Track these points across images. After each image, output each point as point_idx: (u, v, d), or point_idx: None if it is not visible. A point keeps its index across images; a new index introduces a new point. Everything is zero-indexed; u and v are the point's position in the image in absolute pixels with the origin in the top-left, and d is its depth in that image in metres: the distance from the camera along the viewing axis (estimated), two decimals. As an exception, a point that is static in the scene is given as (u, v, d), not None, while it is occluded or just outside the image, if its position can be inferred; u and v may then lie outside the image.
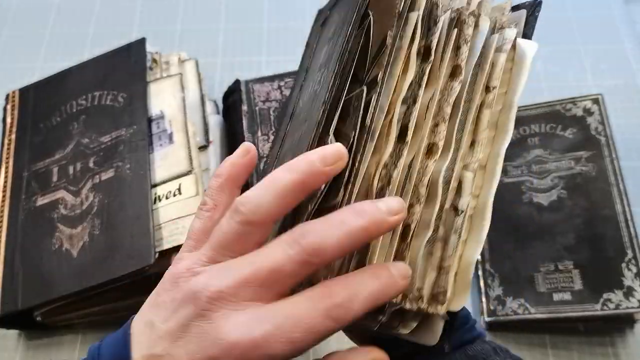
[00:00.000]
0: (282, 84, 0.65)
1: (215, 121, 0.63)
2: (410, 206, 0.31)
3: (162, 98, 0.61)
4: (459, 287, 0.31)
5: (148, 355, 0.27)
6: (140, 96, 0.61)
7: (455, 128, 0.31)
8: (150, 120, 0.59)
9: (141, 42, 0.65)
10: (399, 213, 0.28)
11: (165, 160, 0.57)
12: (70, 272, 0.53)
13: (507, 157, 0.60)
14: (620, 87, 0.71)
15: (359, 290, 0.27)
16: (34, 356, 0.58)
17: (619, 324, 0.56)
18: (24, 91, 0.67)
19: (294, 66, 0.67)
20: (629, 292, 0.52)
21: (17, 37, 0.81)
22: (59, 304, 0.53)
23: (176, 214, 0.54)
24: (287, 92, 0.64)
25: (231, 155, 0.33)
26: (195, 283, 0.27)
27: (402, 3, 0.30)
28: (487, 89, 0.32)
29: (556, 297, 0.53)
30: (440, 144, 0.31)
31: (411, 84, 0.30)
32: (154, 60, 0.65)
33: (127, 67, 0.63)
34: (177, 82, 0.62)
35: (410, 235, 0.30)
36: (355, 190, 0.29)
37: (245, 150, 0.32)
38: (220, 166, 0.32)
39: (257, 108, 0.63)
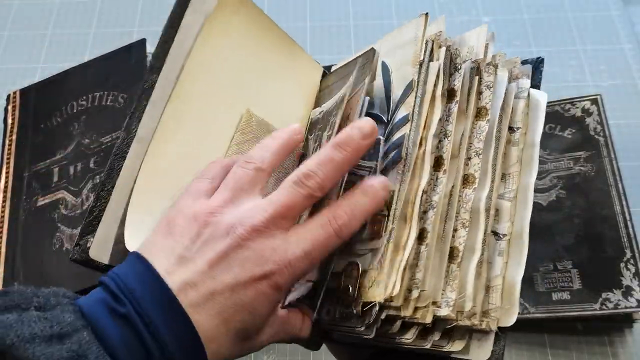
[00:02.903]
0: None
1: (215, 121, 0.64)
2: (455, 230, 0.35)
3: (163, 98, 0.61)
4: (507, 305, 0.35)
5: (186, 283, 0.30)
6: (141, 97, 0.61)
7: (490, 161, 0.36)
8: (150, 121, 0.60)
9: (142, 43, 0.65)
10: (371, 134, 0.34)
11: (166, 161, 0.57)
12: (70, 272, 0.53)
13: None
14: (619, 87, 0.71)
15: (355, 209, 0.33)
16: (35, 356, 0.58)
17: (618, 323, 0.56)
18: (25, 92, 0.67)
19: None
20: (627, 292, 0.52)
21: (18, 38, 0.81)
22: (59, 303, 0.53)
23: (176, 214, 0.54)
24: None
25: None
26: (229, 219, 0.32)
27: (423, 55, 0.37)
28: (511, 129, 0.38)
29: (555, 296, 0.54)
30: (477, 174, 0.35)
31: (440, 120, 0.36)
32: (155, 61, 0.65)
33: (128, 67, 0.64)
34: (178, 82, 0.63)
35: (460, 257, 0.34)
36: (397, 214, 0.34)
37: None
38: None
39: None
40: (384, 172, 0.36)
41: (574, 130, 0.61)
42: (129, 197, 0.36)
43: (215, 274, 0.31)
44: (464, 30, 0.40)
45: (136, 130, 0.37)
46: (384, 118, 0.38)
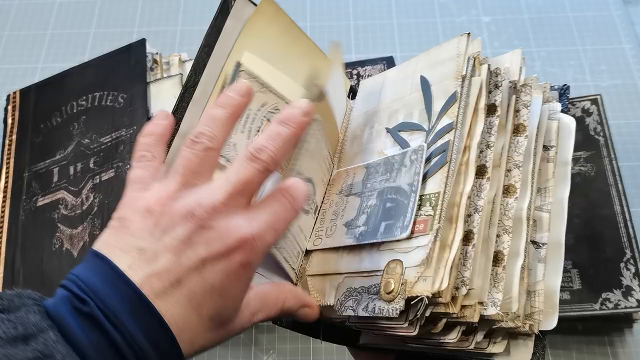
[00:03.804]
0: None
1: (215, 121, 0.64)
2: (498, 236, 0.37)
3: (163, 98, 0.61)
4: (547, 309, 0.37)
5: (150, 274, 0.30)
6: (141, 97, 0.61)
7: (529, 174, 0.39)
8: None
9: (141, 43, 0.65)
10: (309, 112, 0.35)
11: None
12: (70, 272, 0.53)
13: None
14: (619, 87, 0.71)
15: (301, 188, 0.35)
16: (35, 356, 0.58)
17: (618, 323, 0.56)
18: (24, 92, 0.67)
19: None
20: (627, 292, 0.52)
21: (18, 38, 0.81)
22: (59, 303, 0.53)
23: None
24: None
25: (153, 119, 0.37)
26: (186, 204, 0.31)
27: (466, 70, 0.39)
28: (545, 147, 0.40)
29: (555, 296, 0.54)
30: (518, 185, 0.38)
31: (482, 131, 0.38)
32: (155, 61, 0.65)
33: (128, 67, 0.64)
34: (178, 82, 0.63)
35: (505, 261, 0.36)
36: (442, 213, 0.35)
37: (165, 115, 0.37)
38: (147, 128, 0.36)
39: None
40: (429, 175, 0.37)
41: (574, 130, 0.61)
42: None
43: (180, 260, 0.30)
44: (464, 30, 0.42)
45: (179, 126, 0.39)
46: (424, 127, 0.40)
